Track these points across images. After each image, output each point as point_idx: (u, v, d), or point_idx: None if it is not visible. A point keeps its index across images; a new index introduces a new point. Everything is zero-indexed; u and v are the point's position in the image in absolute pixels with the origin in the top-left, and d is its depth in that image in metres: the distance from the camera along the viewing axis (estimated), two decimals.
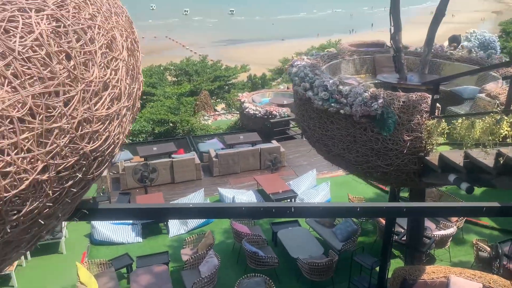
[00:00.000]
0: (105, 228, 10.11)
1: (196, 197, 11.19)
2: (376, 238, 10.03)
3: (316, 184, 12.21)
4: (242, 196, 11.40)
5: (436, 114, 5.79)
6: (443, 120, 5.60)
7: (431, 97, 5.77)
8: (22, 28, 1.92)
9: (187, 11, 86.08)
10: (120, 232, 10.20)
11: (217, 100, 29.52)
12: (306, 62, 7.15)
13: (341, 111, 6.00)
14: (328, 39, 42.46)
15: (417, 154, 5.95)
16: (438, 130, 5.61)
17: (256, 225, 10.16)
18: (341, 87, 6.05)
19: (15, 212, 2.03)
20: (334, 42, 39.64)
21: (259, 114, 16.90)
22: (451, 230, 9.36)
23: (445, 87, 7.74)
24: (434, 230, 9.54)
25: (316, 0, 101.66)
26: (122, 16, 2.78)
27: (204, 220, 10.58)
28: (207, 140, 16.77)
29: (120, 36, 2.60)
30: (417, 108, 5.80)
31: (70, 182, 2.32)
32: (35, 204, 2.12)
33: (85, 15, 2.30)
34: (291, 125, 17.41)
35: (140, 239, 10.21)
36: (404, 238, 8.52)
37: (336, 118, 6.24)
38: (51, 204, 2.25)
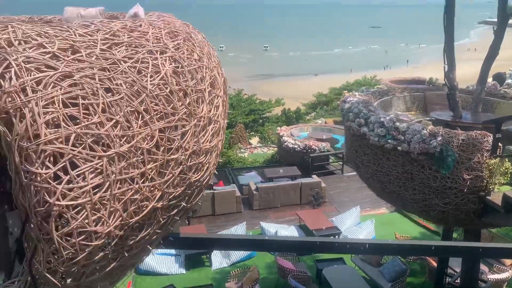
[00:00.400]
0: (149, 258, 10.22)
1: (238, 230, 11.21)
2: (425, 280, 9.66)
3: (360, 221, 12.00)
4: (284, 231, 11.31)
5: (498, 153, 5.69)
6: (507, 160, 5.50)
7: (492, 135, 5.70)
8: (151, 68, 2.12)
9: (223, 47, 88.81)
10: (164, 263, 10.29)
11: (251, 133, 29.85)
12: (358, 98, 7.24)
13: (399, 147, 6.00)
14: (362, 75, 42.60)
15: (477, 193, 5.82)
16: (501, 170, 5.50)
17: (300, 261, 10.02)
18: (398, 123, 6.08)
19: (133, 237, 2.16)
20: (370, 78, 39.76)
21: (298, 148, 16.94)
22: (507, 274, 8.91)
23: None
24: (488, 273, 9.11)
25: (351, 37, 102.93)
26: (215, 55, 2.99)
27: (247, 253, 10.54)
28: (245, 173, 16.88)
29: (218, 75, 2.80)
30: (477, 146, 5.73)
31: (175, 211, 2.46)
32: (148, 231, 2.25)
33: (195, 57, 2.50)
34: (330, 160, 17.34)
35: (183, 271, 10.24)
36: (458, 280, 8.18)
37: (393, 155, 6.22)
38: (159, 231, 2.38)
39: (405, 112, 8.13)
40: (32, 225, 1.75)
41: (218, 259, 10.52)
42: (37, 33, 1.78)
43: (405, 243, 3.43)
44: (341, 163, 16.80)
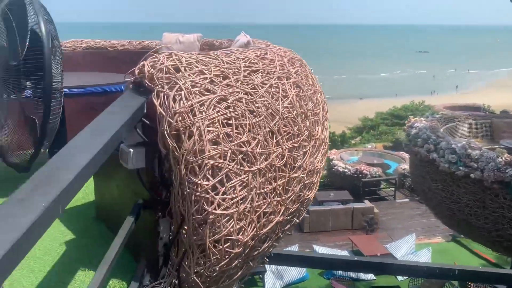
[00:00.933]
0: None
1: None
2: None
3: (415, 249, 11.67)
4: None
5: None
6: None
7: None
8: (281, 93, 2.32)
9: None
10: None
11: None
12: (425, 124, 7.21)
13: (471, 175, 5.90)
14: (408, 99, 41.65)
15: None
16: None
17: (355, 287, 9.87)
18: (470, 150, 6.00)
19: (258, 248, 2.32)
20: (418, 103, 38.88)
21: (349, 172, 16.79)
22: None
23: None
24: None
25: (398, 62, 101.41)
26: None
27: (301, 275, 10.50)
28: None
29: (325, 99, 2.97)
30: None
31: (288, 226, 2.61)
32: (268, 243, 2.40)
33: (310, 82, 2.69)
34: (382, 186, 17.05)
35: None
36: None
37: (463, 182, 6.12)
38: (276, 244, 2.54)
39: (472, 139, 7.97)
40: (185, 232, 1.95)
41: (271, 280, 10.54)
42: (196, 60, 2.03)
43: (501, 272, 3.38)
44: (393, 189, 16.48)
